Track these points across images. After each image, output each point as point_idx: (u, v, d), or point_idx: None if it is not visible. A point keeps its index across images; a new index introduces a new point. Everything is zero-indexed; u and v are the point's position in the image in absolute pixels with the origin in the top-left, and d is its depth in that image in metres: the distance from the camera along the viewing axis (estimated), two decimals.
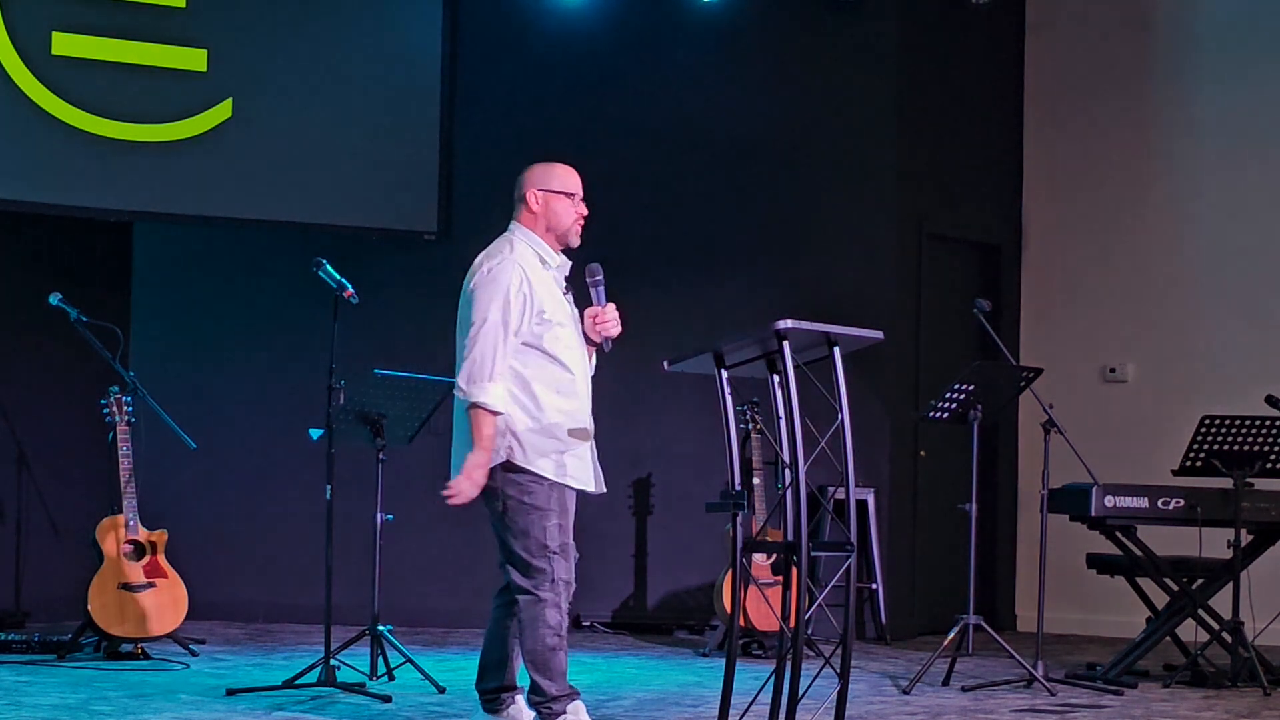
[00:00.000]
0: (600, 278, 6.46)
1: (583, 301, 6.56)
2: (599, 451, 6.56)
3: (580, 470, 6.40)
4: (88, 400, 9.34)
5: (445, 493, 6.21)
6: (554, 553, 6.27)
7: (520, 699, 6.51)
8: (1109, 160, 11.23)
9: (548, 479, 6.29)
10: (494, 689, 6.55)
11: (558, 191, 6.48)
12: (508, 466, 6.27)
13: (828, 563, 9.95)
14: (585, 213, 6.53)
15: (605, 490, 6.55)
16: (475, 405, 6.19)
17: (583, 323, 6.49)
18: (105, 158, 9.77)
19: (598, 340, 6.46)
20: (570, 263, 6.54)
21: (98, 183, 9.80)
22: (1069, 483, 8.60)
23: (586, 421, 6.44)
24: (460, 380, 6.24)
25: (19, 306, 10.11)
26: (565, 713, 6.28)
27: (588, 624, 10.54)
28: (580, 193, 6.53)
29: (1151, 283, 11.08)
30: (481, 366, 6.22)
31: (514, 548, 6.30)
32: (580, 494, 6.50)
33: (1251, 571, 8.58)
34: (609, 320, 6.45)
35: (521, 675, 6.46)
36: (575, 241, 6.51)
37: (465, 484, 6.20)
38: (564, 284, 6.48)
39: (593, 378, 6.57)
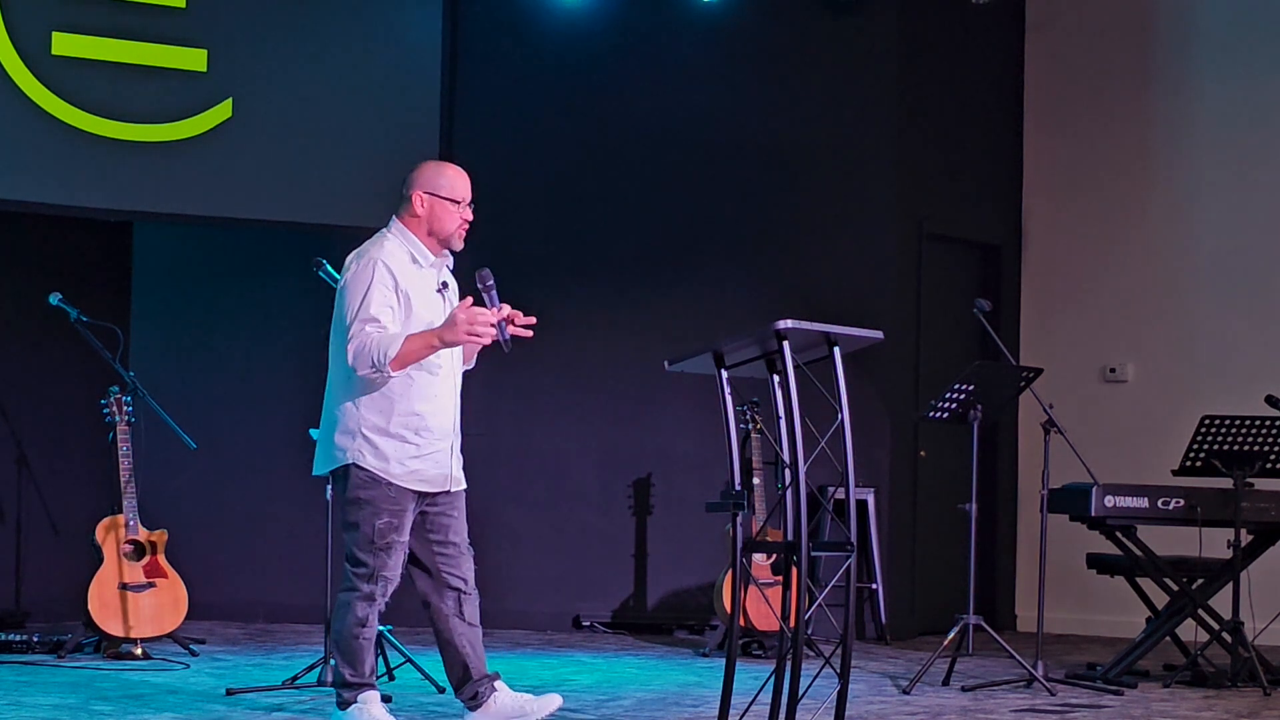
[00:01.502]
0: (491, 283, 6.43)
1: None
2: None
3: (431, 472, 6.46)
4: (88, 400, 9.34)
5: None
6: (379, 549, 6.37)
7: (500, 684, 6.61)
8: (1109, 160, 11.24)
9: (384, 478, 6.37)
10: (470, 688, 6.61)
11: (444, 197, 6.50)
12: (355, 467, 6.39)
13: (828, 563, 9.96)
14: (469, 218, 6.54)
15: (465, 487, 6.61)
16: (389, 368, 6.22)
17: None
18: (105, 158, 9.77)
19: (498, 338, 6.37)
20: (450, 260, 6.55)
21: (98, 183, 9.79)
22: (1069, 483, 8.60)
23: (447, 423, 6.48)
24: (360, 369, 6.26)
25: (19, 306, 10.11)
26: (357, 701, 6.41)
27: (588, 624, 10.54)
28: (468, 198, 6.54)
29: (1151, 283, 11.09)
30: (361, 347, 6.23)
31: (346, 541, 6.44)
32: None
33: (1251, 571, 8.58)
34: (478, 321, 6.25)
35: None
36: (458, 246, 6.55)
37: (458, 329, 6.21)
38: (440, 283, 6.50)
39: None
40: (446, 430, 6.48)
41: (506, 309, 6.37)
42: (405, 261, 6.42)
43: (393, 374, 6.28)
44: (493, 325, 6.27)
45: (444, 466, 6.50)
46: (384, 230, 6.52)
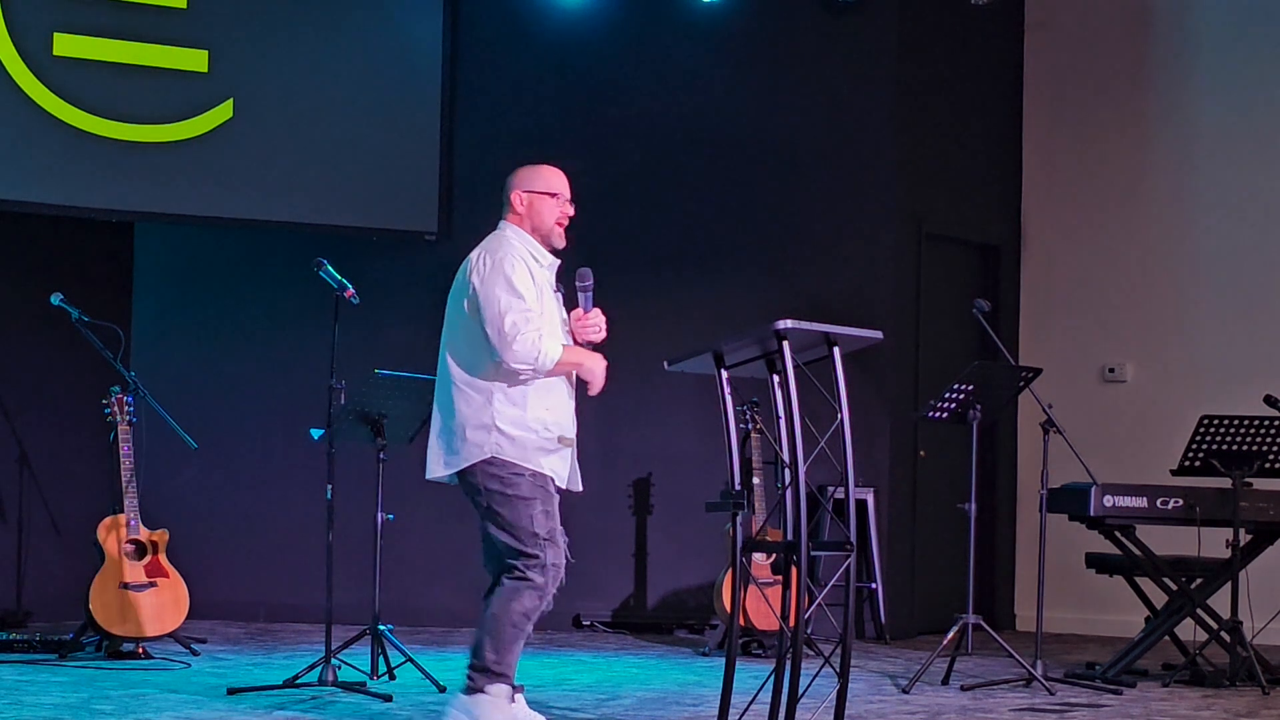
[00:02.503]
0: (590, 283, 6.52)
1: (570, 304, 6.60)
2: (588, 450, 6.62)
3: (560, 467, 6.47)
4: (89, 400, 9.35)
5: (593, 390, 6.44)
6: (544, 539, 6.34)
7: (520, 698, 6.53)
8: (1109, 160, 11.24)
9: (528, 469, 6.36)
10: None
11: (541, 192, 6.54)
12: (490, 462, 6.35)
13: (828, 562, 9.96)
14: (570, 213, 6.58)
15: (582, 489, 6.61)
16: (549, 365, 6.30)
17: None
18: (105, 158, 9.78)
19: (580, 341, 6.52)
20: (560, 263, 6.59)
21: (98, 183, 9.80)
22: (1068, 483, 8.61)
23: (569, 422, 6.51)
24: (519, 363, 6.28)
25: (20, 306, 10.12)
26: (485, 691, 6.32)
27: (588, 624, 10.55)
28: (566, 194, 6.58)
29: (1151, 283, 11.09)
30: (529, 342, 6.26)
31: (503, 540, 6.36)
32: (570, 494, 6.54)
33: (1250, 571, 8.59)
34: (591, 325, 6.54)
35: (520, 674, 6.48)
36: (560, 243, 6.57)
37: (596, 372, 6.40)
38: (554, 283, 6.54)
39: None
40: (568, 430, 6.49)
41: (598, 314, 6.53)
42: (530, 259, 6.47)
43: (538, 376, 6.33)
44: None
45: (569, 463, 6.51)
46: (498, 232, 6.54)
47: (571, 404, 6.54)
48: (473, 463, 6.38)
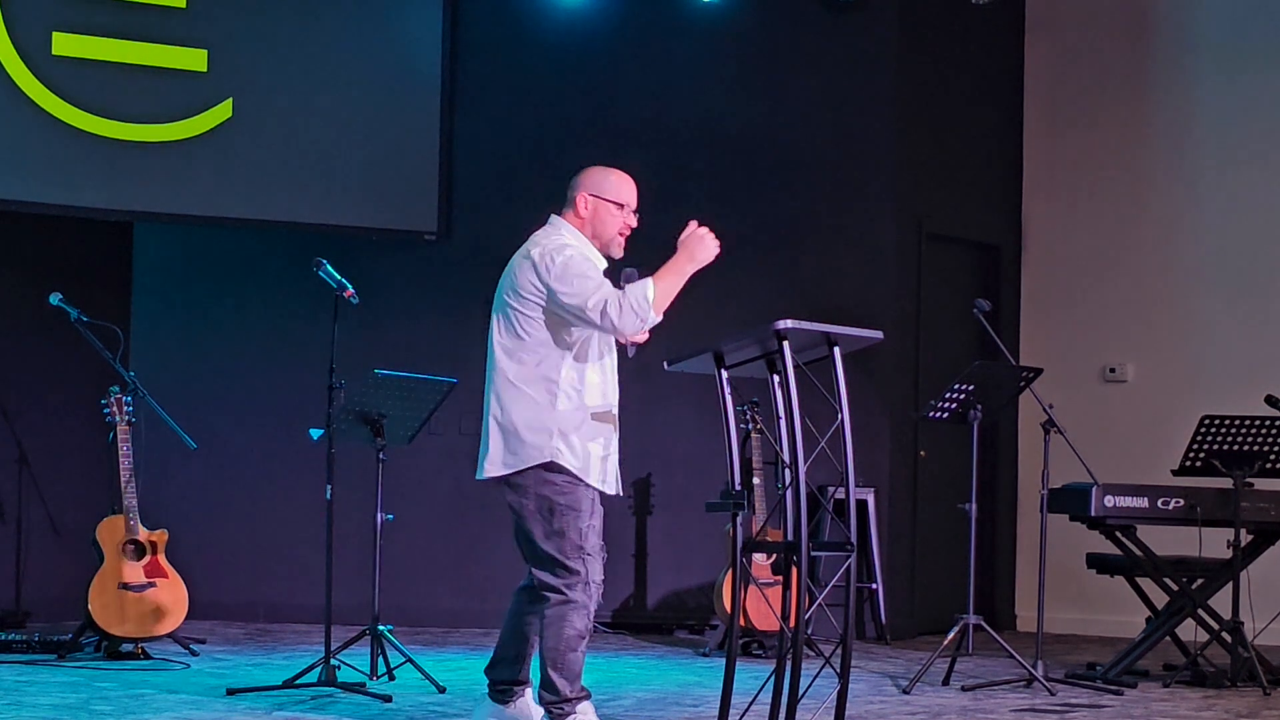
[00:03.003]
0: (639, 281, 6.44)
1: None
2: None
3: (609, 474, 6.40)
4: (88, 400, 9.35)
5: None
6: (588, 554, 6.28)
7: (528, 693, 6.53)
8: (1109, 160, 11.24)
9: (583, 481, 6.27)
10: (506, 681, 6.55)
11: (609, 199, 6.41)
12: (549, 467, 6.23)
13: (828, 563, 9.96)
14: (634, 224, 6.45)
15: (622, 493, 6.55)
16: (654, 317, 6.19)
17: None
18: (105, 158, 9.77)
19: (624, 343, 6.45)
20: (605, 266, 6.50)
21: (98, 183, 9.80)
22: (1069, 483, 8.61)
23: (615, 426, 6.43)
24: (628, 328, 6.16)
25: (19, 306, 10.12)
26: (575, 713, 6.28)
27: None
28: (634, 204, 6.43)
29: (1151, 283, 11.09)
30: (627, 307, 6.14)
31: (547, 548, 6.26)
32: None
33: (1251, 571, 8.58)
34: (708, 236, 6.38)
35: (532, 671, 6.47)
36: (617, 254, 6.43)
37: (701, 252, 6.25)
38: None
39: None
40: (614, 430, 6.39)
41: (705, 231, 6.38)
42: (586, 253, 6.32)
43: (658, 319, 6.17)
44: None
45: (616, 467, 6.42)
46: (555, 226, 6.39)
47: (618, 397, 6.42)
48: (529, 465, 6.24)
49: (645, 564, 10.63)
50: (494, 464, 6.30)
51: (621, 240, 6.44)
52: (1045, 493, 8.50)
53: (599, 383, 6.34)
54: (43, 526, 10.25)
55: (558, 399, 6.24)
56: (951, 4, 10.76)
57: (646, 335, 6.45)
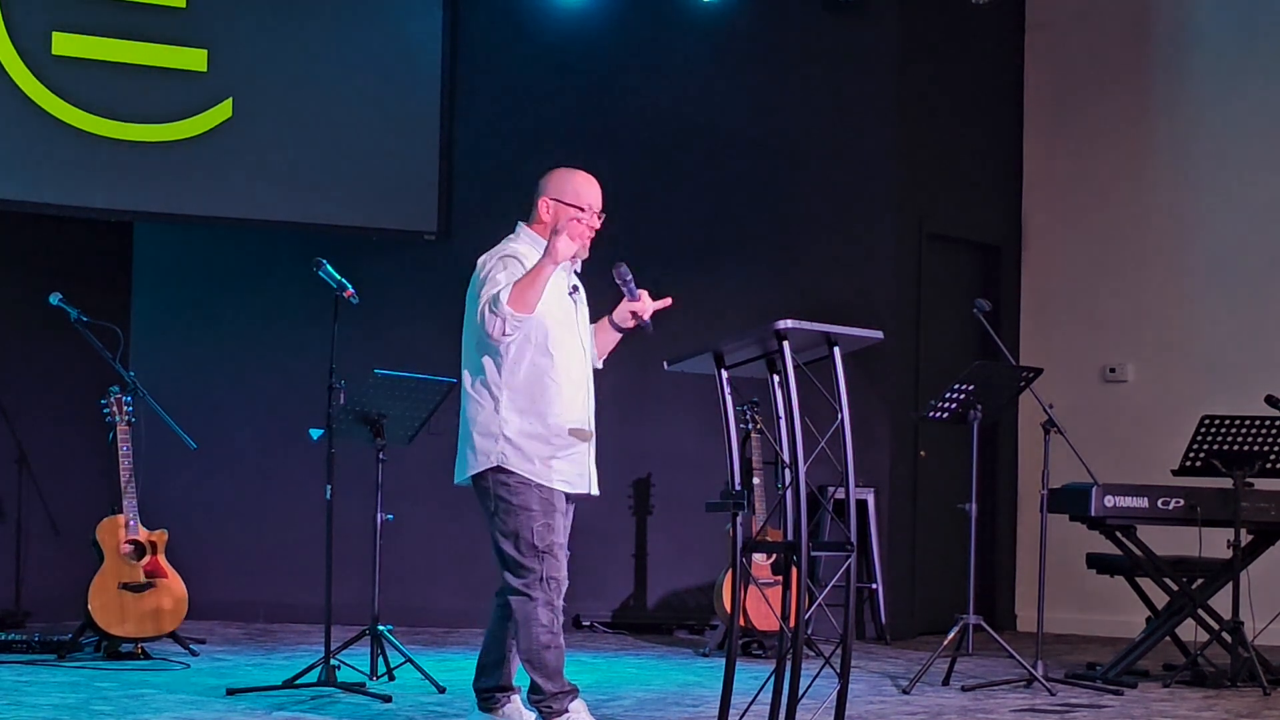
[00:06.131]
0: (630, 278, 6.46)
1: (615, 299, 6.58)
2: (599, 452, 6.57)
3: (572, 472, 6.42)
4: (88, 400, 9.34)
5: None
6: (543, 552, 6.31)
7: (516, 699, 6.55)
8: (1109, 160, 11.24)
9: (536, 482, 6.33)
10: (490, 688, 6.59)
11: (569, 204, 6.43)
12: (497, 470, 6.33)
13: (828, 563, 9.96)
14: (597, 226, 6.47)
15: (598, 493, 6.57)
16: (509, 312, 6.13)
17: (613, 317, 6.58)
18: (105, 158, 9.78)
19: (630, 326, 6.48)
20: (578, 263, 6.50)
21: (98, 183, 9.80)
22: (1069, 483, 8.61)
23: (583, 423, 6.45)
24: (493, 333, 6.16)
25: (19, 306, 10.12)
26: (567, 710, 6.31)
27: (588, 624, 10.54)
28: (597, 205, 6.46)
29: (1151, 283, 11.09)
30: (484, 312, 6.16)
31: (504, 548, 6.36)
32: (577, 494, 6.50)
33: (1251, 571, 8.58)
34: (647, 308, 6.48)
35: (519, 676, 6.48)
36: (583, 255, 6.45)
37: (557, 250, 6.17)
38: (571, 286, 6.47)
39: (594, 377, 6.57)
40: (583, 430, 6.44)
41: (645, 295, 6.47)
42: (534, 259, 6.32)
43: (519, 318, 6.13)
44: (632, 314, 6.45)
45: (583, 466, 6.45)
46: (512, 235, 6.46)
47: (588, 399, 6.49)
48: (482, 470, 6.36)
49: (645, 564, 10.63)
50: (460, 468, 6.47)
51: (585, 245, 6.43)
52: (1045, 493, 8.50)
53: (556, 384, 6.36)
54: (43, 526, 10.25)
55: (501, 403, 6.32)
56: (951, 4, 10.76)
57: (652, 309, 6.49)
